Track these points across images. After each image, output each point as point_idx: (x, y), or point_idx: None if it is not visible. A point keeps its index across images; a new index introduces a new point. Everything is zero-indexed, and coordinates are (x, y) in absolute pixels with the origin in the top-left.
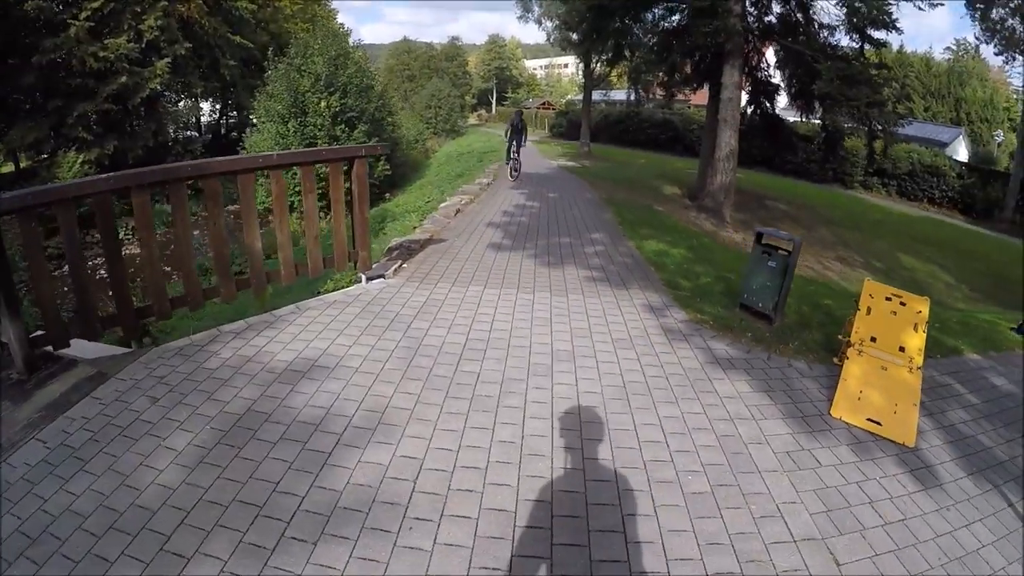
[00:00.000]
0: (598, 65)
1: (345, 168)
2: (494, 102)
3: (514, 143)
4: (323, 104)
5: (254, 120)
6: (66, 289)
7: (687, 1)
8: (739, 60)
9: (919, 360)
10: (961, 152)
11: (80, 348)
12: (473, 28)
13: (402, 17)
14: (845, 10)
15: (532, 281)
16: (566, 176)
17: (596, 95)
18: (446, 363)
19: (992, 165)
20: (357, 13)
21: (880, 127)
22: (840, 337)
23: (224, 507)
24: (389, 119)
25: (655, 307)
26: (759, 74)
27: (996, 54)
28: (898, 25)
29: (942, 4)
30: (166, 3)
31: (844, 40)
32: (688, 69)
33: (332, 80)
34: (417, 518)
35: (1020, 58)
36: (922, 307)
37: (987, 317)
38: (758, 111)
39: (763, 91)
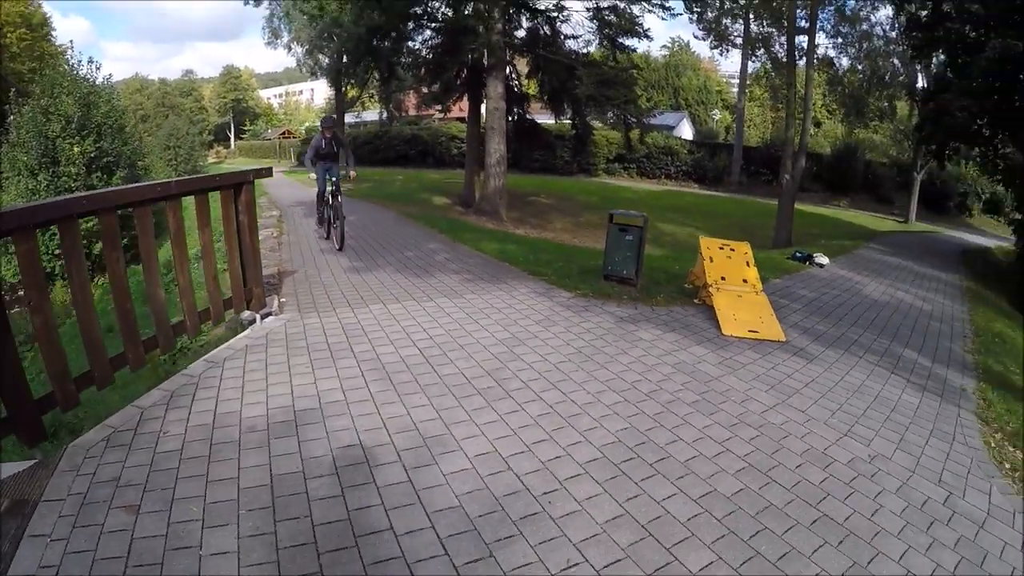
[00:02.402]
0: (347, 88)
1: None
2: (232, 136)
3: (330, 180)
4: (76, 150)
5: None
6: None
7: (448, 22)
8: (502, 73)
9: (759, 286)
10: (686, 132)
11: None
12: (201, 60)
13: (122, 52)
14: (597, 24)
15: (420, 291)
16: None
17: (348, 117)
18: (424, 372)
19: (715, 139)
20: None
21: (634, 119)
22: (686, 285)
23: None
24: (142, 163)
25: (540, 291)
26: (512, 83)
27: (712, 48)
28: (650, 34)
29: (681, 14)
30: None
31: (590, 48)
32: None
33: (85, 121)
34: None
35: (731, 50)
36: (747, 249)
37: (762, 255)
38: (513, 117)
39: (517, 99)
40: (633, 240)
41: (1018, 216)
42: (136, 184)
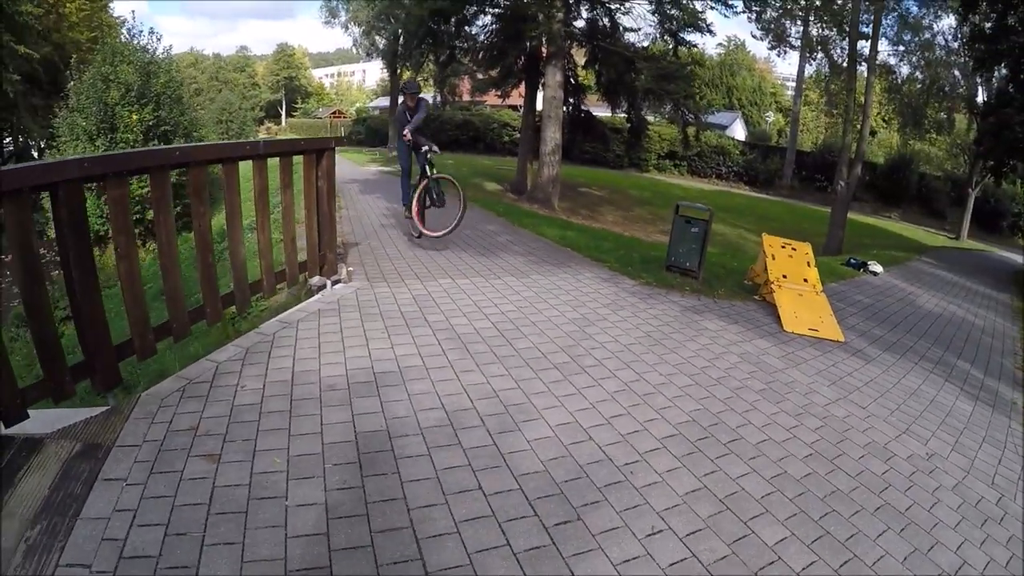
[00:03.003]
0: (401, 70)
1: None
2: (284, 113)
3: (417, 161)
4: (135, 117)
5: (34, 147)
6: None
7: (510, 8)
8: (561, 61)
9: (819, 286)
10: (739, 132)
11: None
12: (252, 38)
13: (177, 28)
14: (658, 17)
15: (487, 269)
16: (397, 180)
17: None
18: (500, 344)
19: (767, 142)
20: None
21: (692, 115)
22: (746, 282)
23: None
24: (198, 133)
25: (604, 277)
26: (569, 74)
27: (770, 48)
28: (712, 28)
29: (741, 12)
30: None
31: (647, 41)
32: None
33: (144, 90)
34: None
35: (788, 51)
36: (807, 249)
37: (819, 260)
38: (569, 108)
39: (574, 90)
40: (698, 232)
41: None
42: (227, 142)
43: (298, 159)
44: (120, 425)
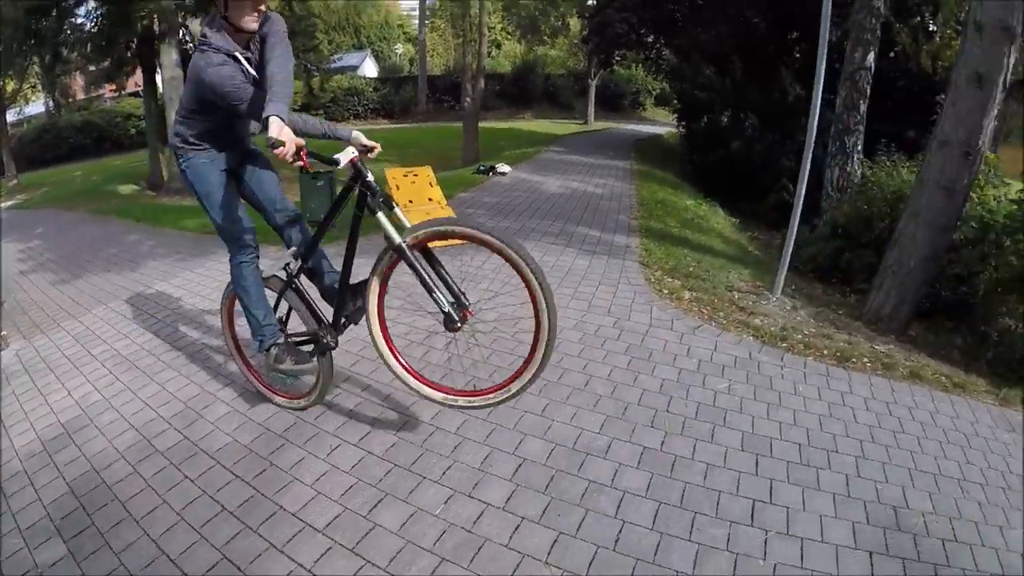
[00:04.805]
0: (5, 82)
1: None
2: None
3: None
4: None
5: None
6: None
7: None
8: (176, 38)
9: (444, 202)
10: (371, 70)
11: None
12: None
13: None
14: None
15: (138, 283)
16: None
17: (10, 115)
18: (165, 351)
19: (399, 73)
20: None
21: (315, 67)
22: None
23: None
24: None
25: None
26: (188, 48)
27: None
28: None
29: None
30: None
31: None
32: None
33: None
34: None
35: None
36: (428, 172)
37: (450, 174)
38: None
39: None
40: (324, 185)
41: (680, 106)
42: None
43: None
44: None
